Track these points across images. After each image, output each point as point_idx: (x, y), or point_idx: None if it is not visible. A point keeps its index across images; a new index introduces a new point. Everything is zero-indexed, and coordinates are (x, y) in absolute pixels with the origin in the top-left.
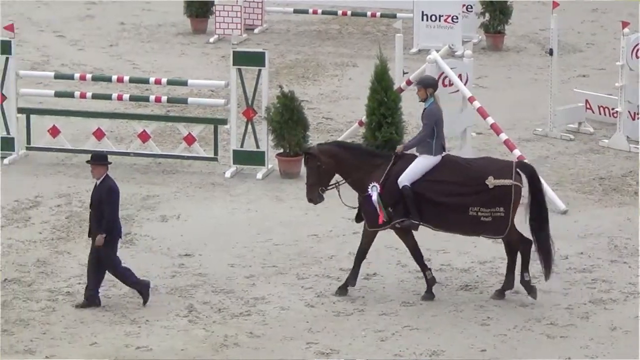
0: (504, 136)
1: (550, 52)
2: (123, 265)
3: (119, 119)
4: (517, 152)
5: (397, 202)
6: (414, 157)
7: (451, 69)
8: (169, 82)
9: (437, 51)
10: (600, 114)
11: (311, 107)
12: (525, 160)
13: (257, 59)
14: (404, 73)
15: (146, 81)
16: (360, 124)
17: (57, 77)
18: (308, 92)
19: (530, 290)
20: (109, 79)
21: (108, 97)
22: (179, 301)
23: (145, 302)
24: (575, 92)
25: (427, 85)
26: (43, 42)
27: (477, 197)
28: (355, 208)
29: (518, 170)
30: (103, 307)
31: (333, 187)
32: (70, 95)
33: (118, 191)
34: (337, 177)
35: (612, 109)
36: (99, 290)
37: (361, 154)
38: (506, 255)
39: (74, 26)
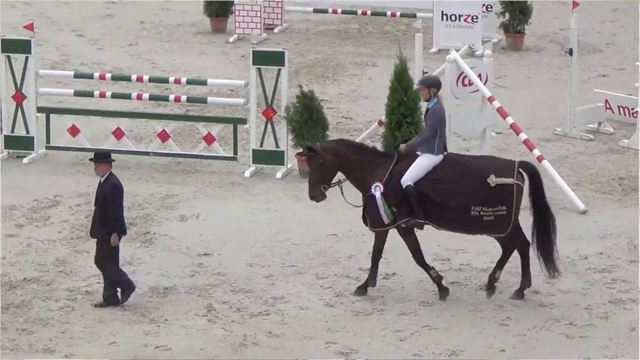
0: (523, 136)
1: (570, 52)
2: (120, 266)
3: (139, 118)
4: (536, 152)
5: (401, 201)
6: (416, 156)
7: (471, 68)
8: (189, 82)
9: (457, 51)
10: (620, 114)
11: (331, 106)
12: (527, 160)
13: (276, 59)
14: (424, 73)
15: (166, 80)
16: (380, 123)
17: (76, 76)
18: (327, 92)
19: (490, 287)
20: (128, 79)
21: (127, 97)
22: (197, 301)
23: (122, 302)
24: (595, 92)
25: (431, 85)
26: (63, 42)
27: (478, 196)
28: (358, 207)
29: (520, 169)
30: (122, 307)
31: (336, 185)
32: (90, 94)
33: (122, 188)
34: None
35: (632, 109)
36: (117, 290)
37: (364, 152)
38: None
39: (93, 25)
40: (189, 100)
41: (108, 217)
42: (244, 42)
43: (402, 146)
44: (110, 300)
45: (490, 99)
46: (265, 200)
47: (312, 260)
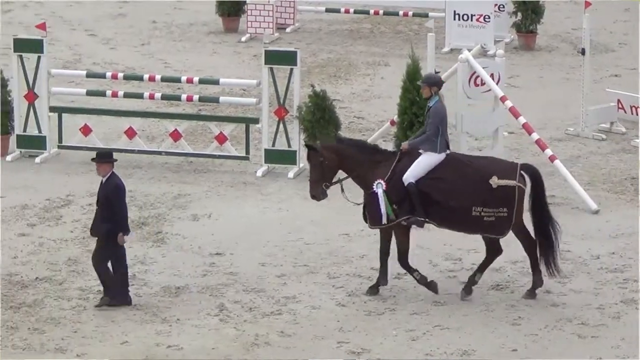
0: (535, 136)
1: (582, 52)
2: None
3: (151, 117)
4: (548, 152)
5: (402, 199)
6: (419, 154)
7: (483, 68)
8: (201, 81)
9: (469, 50)
10: (632, 113)
11: (343, 106)
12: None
13: (288, 58)
14: (436, 72)
15: (178, 80)
16: (392, 123)
17: (88, 75)
18: (340, 91)
19: (468, 289)
20: (140, 78)
21: (140, 96)
22: (209, 300)
23: (98, 304)
24: (607, 91)
25: (432, 84)
26: (75, 41)
27: (480, 196)
28: (358, 204)
29: (522, 172)
30: (134, 306)
31: (337, 183)
32: (102, 94)
33: (124, 188)
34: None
35: None
36: (129, 289)
37: (365, 150)
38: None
39: (105, 25)
40: (201, 99)
41: (114, 217)
42: (256, 42)
43: (404, 144)
44: (122, 299)
45: (503, 99)
46: (277, 200)
47: (324, 259)
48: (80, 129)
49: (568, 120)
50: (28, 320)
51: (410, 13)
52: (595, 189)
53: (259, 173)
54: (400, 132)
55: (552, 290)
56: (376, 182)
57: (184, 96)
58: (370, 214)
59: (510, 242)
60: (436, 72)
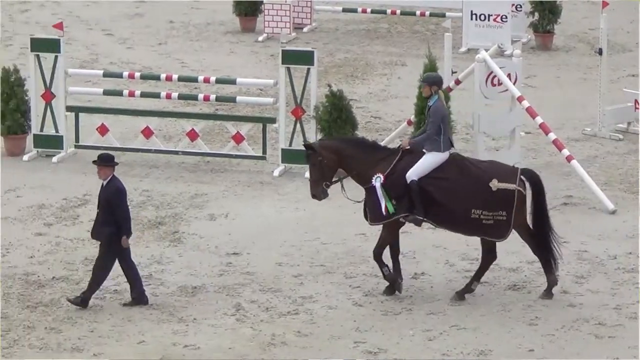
0: (552, 136)
1: (600, 52)
2: (109, 273)
3: (168, 117)
4: (565, 152)
5: (401, 196)
6: (421, 153)
7: (500, 68)
8: (218, 81)
9: (486, 50)
10: None
11: (360, 106)
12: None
13: (306, 58)
14: (453, 72)
15: (195, 80)
16: (409, 123)
17: (105, 75)
18: (357, 91)
19: (461, 295)
20: (157, 78)
21: (157, 96)
22: (226, 300)
23: (72, 301)
24: (625, 91)
25: (432, 83)
26: (92, 41)
27: (479, 199)
28: (359, 202)
29: (522, 177)
30: (150, 306)
31: (337, 182)
32: (119, 93)
33: (125, 191)
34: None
35: None
36: (145, 289)
37: (365, 147)
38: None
39: (122, 24)
40: (218, 99)
41: (116, 221)
42: (273, 42)
43: (405, 141)
44: (138, 299)
45: (520, 99)
46: (294, 200)
47: (341, 259)
48: (97, 129)
49: (585, 120)
50: (45, 319)
51: (428, 13)
52: (612, 189)
53: (276, 173)
54: (417, 131)
55: (569, 291)
56: (375, 176)
57: (201, 96)
58: (371, 209)
59: (526, 243)
60: (453, 72)
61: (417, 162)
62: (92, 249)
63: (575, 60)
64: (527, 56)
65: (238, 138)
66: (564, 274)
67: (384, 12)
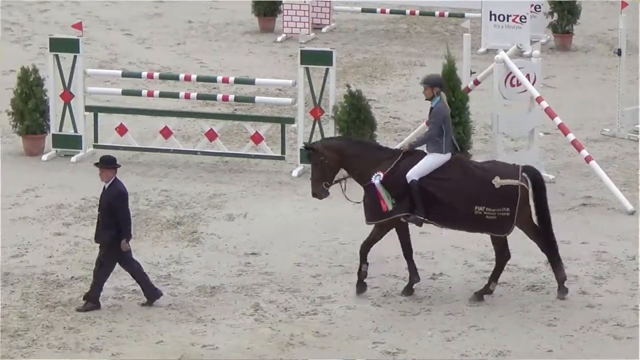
0: (571, 136)
1: (619, 52)
2: (109, 276)
3: (186, 117)
4: (584, 153)
5: (402, 195)
6: (423, 154)
7: (519, 68)
8: (237, 81)
9: (505, 51)
10: None
11: (378, 106)
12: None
13: (324, 58)
14: (472, 73)
15: (214, 80)
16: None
17: (124, 75)
18: (375, 92)
19: (480, 295)
20: (176, 78)
21: (175, 96)
22: (245, 300)
23: (81, 309)
24: None
25: (434, 85)
26: (111, 41)
27: (482, 196)
28: (358, 203)
29: (524, 174)
30: (169, 306)
31: (338, 182)
32: (138, 93)
33: (127, 194)
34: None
35: None
36: (156, 287)
37: (366, 148)
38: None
39: (141, 24)
40: (236, 99)
41: (118, 224)
42: (292, 42)
43: (405, 145)
44: (152, 297)
45: (539, 99)
46: (312, 200)
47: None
48: (116, 129)
49: (604, 120)
50: (63, 319)
51: (447, 13)
52: (631, 190)
53: (295, 173)
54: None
55: (587, 291)
56: (375, 175)
57: (219, 96)
58: (369, 207)
59: (533, 241)
60: (472, 73)
61: (418, 162)
62: None
63: (594, 61)
64: (546, 57)
65: (257, 138)
66: (582, 275)
67: (403, 13)
